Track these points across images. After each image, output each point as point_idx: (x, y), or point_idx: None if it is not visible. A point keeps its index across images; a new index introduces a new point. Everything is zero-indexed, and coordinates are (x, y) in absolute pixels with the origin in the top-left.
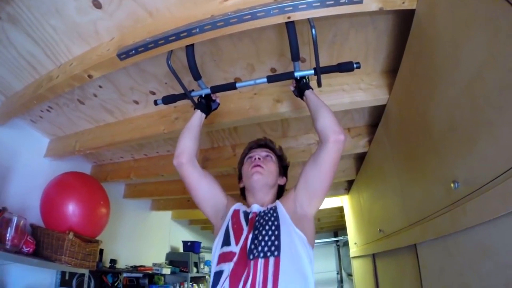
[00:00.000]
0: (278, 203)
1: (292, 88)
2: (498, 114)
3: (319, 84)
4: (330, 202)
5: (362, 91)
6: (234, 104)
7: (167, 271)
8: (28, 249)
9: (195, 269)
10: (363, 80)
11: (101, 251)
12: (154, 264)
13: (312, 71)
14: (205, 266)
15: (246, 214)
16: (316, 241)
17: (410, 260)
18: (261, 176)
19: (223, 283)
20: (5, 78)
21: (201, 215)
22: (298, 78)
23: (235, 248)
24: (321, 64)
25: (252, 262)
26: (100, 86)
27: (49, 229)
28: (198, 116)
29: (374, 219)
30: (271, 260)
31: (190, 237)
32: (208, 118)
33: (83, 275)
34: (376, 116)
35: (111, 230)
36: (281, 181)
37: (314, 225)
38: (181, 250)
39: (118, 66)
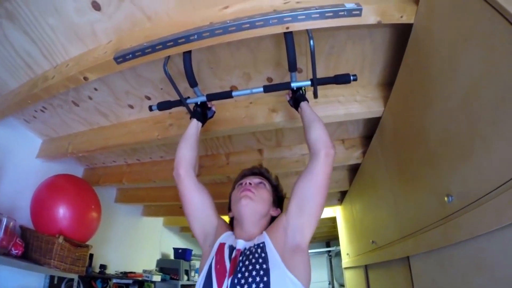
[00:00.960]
0: (265, 237)
1: (288, 98)
2: (493, 128)
3: (315, 95)
4: (323, 213)
5: (357, 103)
6: (230, 112)
7: (157, 278)
8: (17, 251)
9: (185, 277)
10: (358, 92)
11: (91, 256)
12: (145, 271)
13: (309, 82)
14: (196, 274)
15: (231, 250)
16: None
17: (403, 273)
18: (251, 201)
19: None
20: (1, 76)
21: None
22: (295, 88)
23: None
24: (318, 75)
25: None
26: (96, 89)
27: (38, 232)
28: (194, 125)
29: (367, 230)
30: None
31: (181, 244)
32: (203, 126)
33: (72, 280)
34: (370, 128)
35: (101, 235)
36: (275, 212)
37: (309, 260)
38: (172, 257)
39: (114, 70)
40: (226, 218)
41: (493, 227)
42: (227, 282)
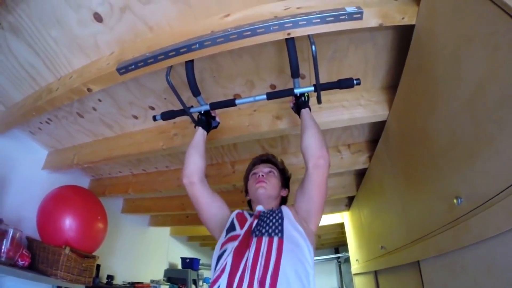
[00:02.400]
0: (283, 206)
1: (291, 105)
2: (499, 128)
3: (319, 100)
4: (331, 219)
5: (361, 107)
6: (234, 120)
7: None
8: (23, 262)
9: (193, 287)
10: (362, 96)
11: (98, 266)
12: (152, 281)
13: (312, 88)
14: (204, 284)
15: (250, 214)
16: (317, 257)
17: (414, 278)
18: (265, 190)
19: (226, 258)
20: (5, 88)
21: (200, 232)
22: (298, 94)
23: (239, 231)
24: (321, 81)
25: (255, 239)
26: (100, 100)
27: (45, 243)
28: (201, 133)
29: (376, 236)
30: (275, 239)
31: (188, 253)
32: (207, 135)
33: None
34: (376, 132)
35: (108, 246)
36: (284, 192)
37: (315, 238)
38: (180, 266)
39: (118, 81)
40: None
41: (504, 228)
42: (248, 223)
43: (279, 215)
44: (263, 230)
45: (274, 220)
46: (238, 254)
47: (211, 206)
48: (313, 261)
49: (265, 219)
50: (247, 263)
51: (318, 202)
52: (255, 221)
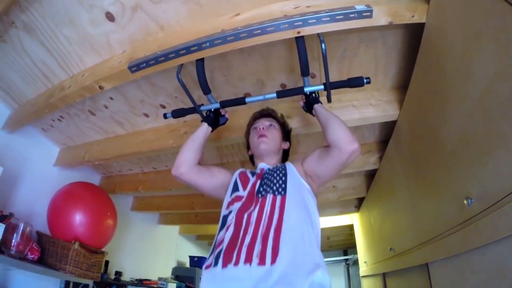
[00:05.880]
0: (288, 163)
1: (302, 104)
2: (511, 126)
3: (329, 99)
4: (340, 220)
5: (372, 107)
6: (244, 119)
7: (172, 286)
8: (33, 256)
9: None
10: (373, 96)
11: (107, 262)
12: (160, 278)
13: (322, 87)
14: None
15: (253, 172)
16: (325, 259)
17: (422, 280)
18: (266, 144)
19: (231, 219)
20: (18, 86)
21: (209, 231)
22: (308, 93)
23: (243, 192)
24: (331, 80)
25: (260, 199)
26: (111, 98)
27: (54, 238)
28: (204, 128)
29: (385, 238)
30: (278, 197)
31: (197, 252)
32: (216, 133)
33: (87, 285)
34: (386, 132)
35: (117, 242)
36: (285, 145)
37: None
38: (188, 265)
39: (129, 79)
40: None
41: None
42: (251, 183)
43: (283, 172)
44: (268, 189)
45: (278, 178)
46: (242, 212)
47: (210, 183)
48: (316, 211)
49: (269, 177)
50: (251, 219)
51: (330, 176)
52: (258, 182)
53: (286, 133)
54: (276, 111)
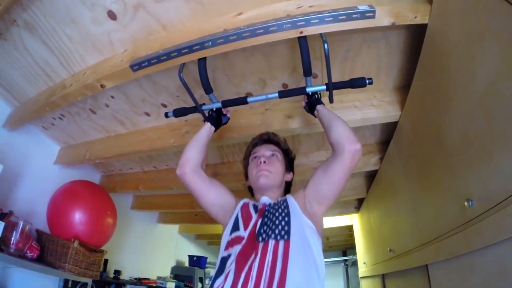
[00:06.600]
0: (288, 196)
1: (304, 104)
2: None
3: (331, 100)
4: (339, 221)
5: (374, 107)
6: (245, 119)
7: (171, 285)
8: (32, 254)
9: (200, 285)
10: (375, 97)
11: (106, 261)
12: (159, 278)
13: (324, 87)
14: (210, 282)
15: (255, 206)
16: (324, 260)
17: (421, 281)
18: (267, 179)
19: (230, 265)
20: (20, 84)
21: (208, 230)
22: (310, 93)
23: (243, 233)
24: (333, 80)
25: (261, 244)
26: (112, 97)
27: (54, 236)
28: (207, 128)
29: (384, 239)
30: (281, 243)
31: (196, 251)
32: (218, 133)
33: (86, 284)
34: (387, 133)
35: (117, 241)
36: (288, 177)
37: (323, 223)
38: (187, 264)
39: (131, 77)
40: None
41: None
42: (253, 222)
43: (285, 211)
44: (269, 232)
45: (280, 218)
46: (242, 262)
47: (209, 194)
48: (322, 254)
49: (270, 216)
50: (251, 272)
51: (339, 186)
52: (259, 221)
53: (289, 162)
54: (278, 136)
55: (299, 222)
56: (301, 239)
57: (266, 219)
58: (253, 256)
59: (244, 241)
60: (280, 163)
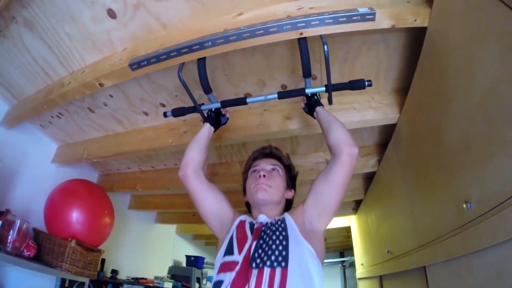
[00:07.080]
0: (286, 215)
1: (303, 105)
2: None
3: (330, 101)
4: (337, 222)
5: (372, 109)
6: (244, 120)
7: (168, 285)
8: (29, 253)
9: (197, 285)
10: (373, 99)
11: (103, 260)
12: (156, 277)
13: (324, 88)
14: (208, 282)
15: (252, 225)
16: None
17: (419, 283)
18: (266, 193)
19: None
20: (18, 82)
21: (205, 230)
22: (309, 95)
23: (238, 257)
24: (332, 82)
25: (255, 271)
26: (111, 96)
27: (51, 235)
28: (206, 129)
29: (382, 240)
30: (278, 271)
31: (193, 252)
32: (216, 133)
33: (83, 283)
34: (385, 135)
35: (114, 240)
36: (289, 194)
37: (324, 243)
38: (184, 264)
39: (130, 76)
40: None
41: None
42: (248, 246)
43: (283, 233)
44: (264, 258)
45: (277, 242)
46: None
47: (207, 199)
48: (322, 285)
49: (266, 238)
50: None
51: (340, 194)
52: (254, 243)
53: (291, 179)
54: (281, 150)
55: (299, 247)
56: (300, 266)
57: (261, 242)
58: (247, 286)
59: (237, 268)
60: (281, 179)
